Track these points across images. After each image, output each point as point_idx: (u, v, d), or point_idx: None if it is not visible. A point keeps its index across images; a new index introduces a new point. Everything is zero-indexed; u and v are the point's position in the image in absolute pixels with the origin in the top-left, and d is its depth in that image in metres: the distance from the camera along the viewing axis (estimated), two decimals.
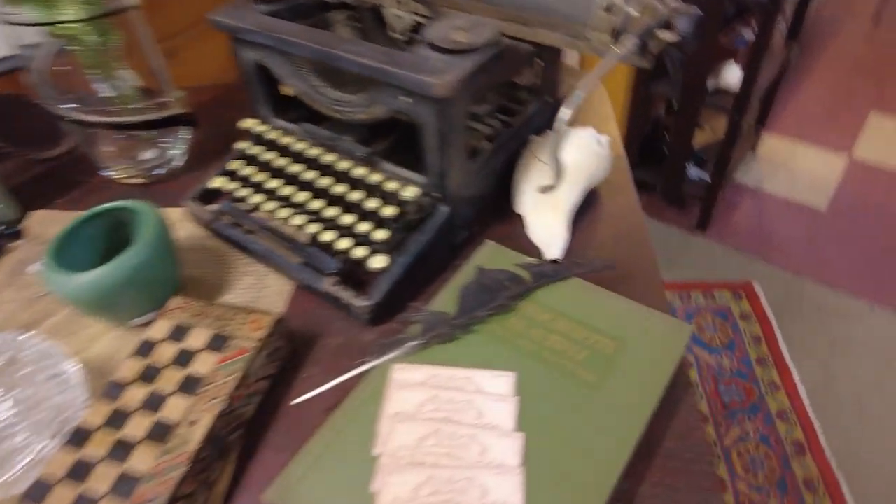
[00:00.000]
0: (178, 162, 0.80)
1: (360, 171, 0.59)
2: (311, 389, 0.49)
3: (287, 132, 0.67)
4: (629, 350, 0.47)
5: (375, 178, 0.58)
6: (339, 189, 0.60)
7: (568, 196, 0.62)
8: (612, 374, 0.46)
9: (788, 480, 1.21)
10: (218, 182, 0.68)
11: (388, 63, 0.50)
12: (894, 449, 1.25)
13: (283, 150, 0.66)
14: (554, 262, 0.58)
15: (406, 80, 0.49)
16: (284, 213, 0.62)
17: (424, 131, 0.53)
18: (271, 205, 0.63)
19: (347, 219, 0.58)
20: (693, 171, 1.91)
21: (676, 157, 1.82)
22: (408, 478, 0.42)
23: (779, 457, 1.25)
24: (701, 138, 1.91)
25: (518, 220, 0.65)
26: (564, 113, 0.47)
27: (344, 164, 0.60)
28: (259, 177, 0.66)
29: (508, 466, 0.42)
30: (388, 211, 0.56)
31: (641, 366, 0.46)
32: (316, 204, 0.61)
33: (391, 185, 0.57)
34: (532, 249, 0.62)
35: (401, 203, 0.57)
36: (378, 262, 0.55)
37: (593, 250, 0.61)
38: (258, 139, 0.68)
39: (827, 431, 1.28)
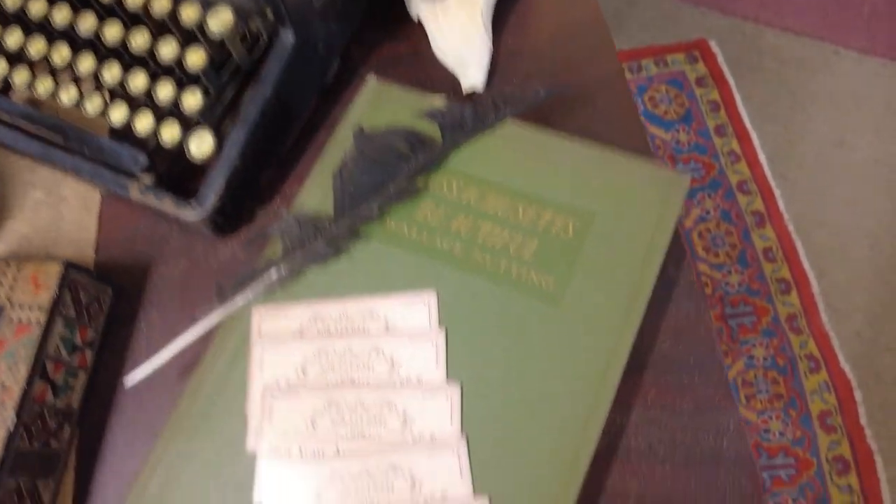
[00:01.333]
0: None
1: None
2: (151, 346, 0.36)
3: None
4: (598, 229, 0.31)
5: (160, 2, 0.35)
6: (113, 32, 0.36)
7: None
8: (577, 271, 0.30)
9: (748, 254, 1.18)
10: None
11: None
12: (852, 200, 1.22)
13: None
14: (474, 98, 0.39)
15: None
16: (45, 85, 0.39)
17: None
18: (23, 75, 0.39)
19: (138, 80, 0.36)
20: None
21: None
22: (304, 483, 0.28)
23: (739, 231, 1.21)
24: None
25: (418, 27, 0.44)
26: None
27: None
28: None
29: (444, 437, 0.28)
30: (196, 58, 0.34)
31: (619, 252, 0.30)
32: (86, 63, 0.37)
33: (189, 14, 0.34)
34: (442, 75, 0.42)
35: (210, 42, 0.35)
36: (199, 145, 0.35)
37: (531, 62, 0.42)
38: None
39: (787, 197, 1.23)
